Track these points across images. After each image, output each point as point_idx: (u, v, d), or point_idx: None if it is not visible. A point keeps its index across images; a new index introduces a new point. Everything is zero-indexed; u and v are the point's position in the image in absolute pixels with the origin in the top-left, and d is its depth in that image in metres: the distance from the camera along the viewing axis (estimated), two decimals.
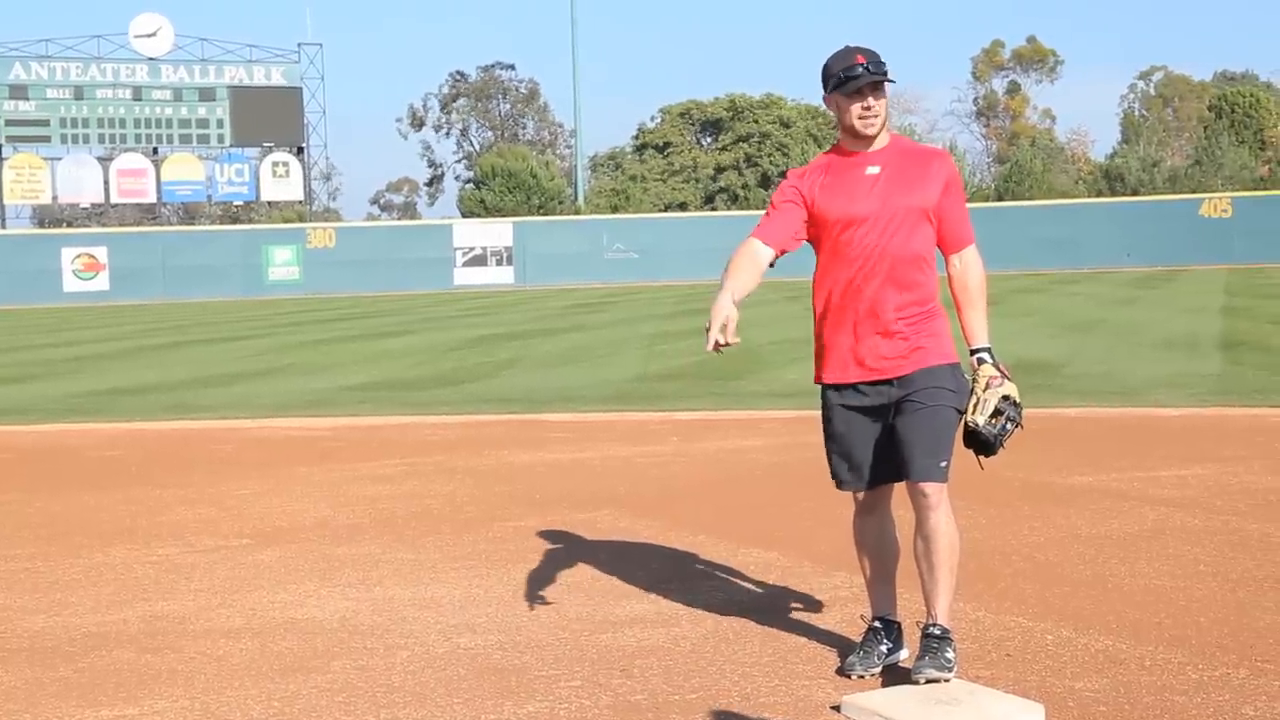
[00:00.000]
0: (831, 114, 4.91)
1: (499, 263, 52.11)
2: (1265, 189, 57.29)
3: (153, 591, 6.46)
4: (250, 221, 65.82)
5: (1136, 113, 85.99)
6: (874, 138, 4.81)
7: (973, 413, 4.73)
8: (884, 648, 4.96)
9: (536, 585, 6.33)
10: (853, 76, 4.72)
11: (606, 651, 5.29)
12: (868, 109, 4.75)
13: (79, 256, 49.76)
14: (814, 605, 5.84)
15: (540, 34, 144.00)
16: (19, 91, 55.80)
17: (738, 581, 6.33)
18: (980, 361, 4.83)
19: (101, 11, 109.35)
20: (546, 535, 7.43)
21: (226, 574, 6.78)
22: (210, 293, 48.58)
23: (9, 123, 55.85)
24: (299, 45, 60.13)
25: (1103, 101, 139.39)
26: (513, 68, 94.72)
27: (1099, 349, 17.59)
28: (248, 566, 6.92)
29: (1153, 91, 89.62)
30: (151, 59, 56.95)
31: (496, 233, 52.92)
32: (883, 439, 4.84)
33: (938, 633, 4.73)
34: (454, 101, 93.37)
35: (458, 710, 4.67)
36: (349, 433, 12.21)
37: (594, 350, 20.31)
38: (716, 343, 4.52)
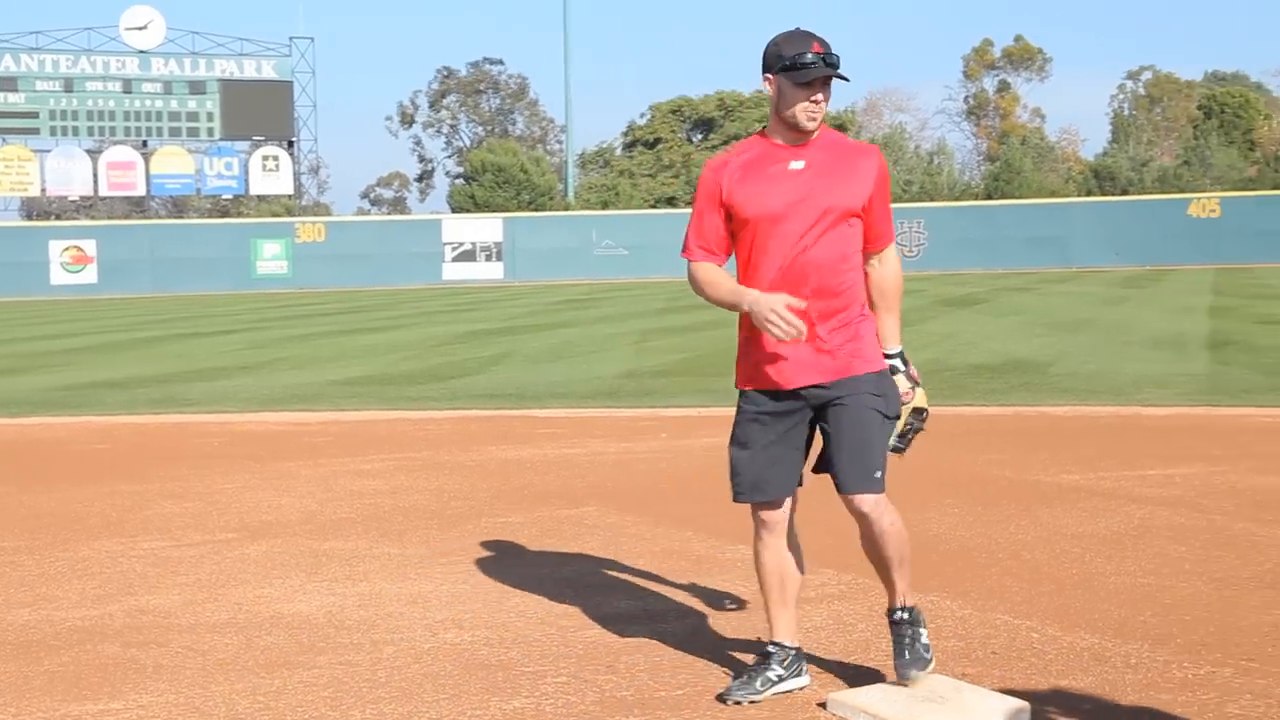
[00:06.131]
0: (770, 95, 4.52)
1: (488, 258, 52.08)
2: (1254, 189, 57.41)
3: (139, 585, 6.45)
4: (239, 215, 65.69)
5: (1126, 112, 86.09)
6: (811, 132, 4.50)
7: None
8: (773, 674, 4.71)
9: (523, 581, 6.33)
10: (805, 65, 4.39)
11: (593, 647, 5.29)
12: (815, 102, 4.43)
13: (67, 249, 49.63)
14: (799, 602, 5.83)
15: (531, 29, 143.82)
16: (8, 83, 55.52)
17: (724, 578, 6.33)
18: (893, 371, 4.61)
19: (92, 4, 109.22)
20: (534, 531, 7.43)
21: (213, 568, 6.76)
22: (199, 286, 48.50)
23: None
24: (290, 39, 59.93)
25: (1093, 101, 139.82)
26: (502, 63, 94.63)
27: (1087, 348, 17.62)
28: (234, 561, 6.91)
29: (1142, 91, 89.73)
30: (142, 52, 56.74)
31: (486, 228, 52.88)
32: (793, 452, 4.63)
33: (907, 617, 4.67)
34: (443, 98, 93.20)
35: (443, 706, 4.67)
36: (337, 427, 12.20)
37: (583, 346, 20.31)
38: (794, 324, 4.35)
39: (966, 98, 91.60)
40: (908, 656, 4.64)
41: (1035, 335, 19.67)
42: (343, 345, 21.64)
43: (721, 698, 4.66)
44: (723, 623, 5.59)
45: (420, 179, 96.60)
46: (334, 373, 16.93)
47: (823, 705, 4.58)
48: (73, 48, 56.37)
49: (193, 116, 57.51)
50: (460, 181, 68.42)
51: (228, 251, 50.69)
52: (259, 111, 58.19)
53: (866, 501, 4.53)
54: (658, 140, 76.52)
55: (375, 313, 31.87)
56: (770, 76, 4.50)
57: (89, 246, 49.89)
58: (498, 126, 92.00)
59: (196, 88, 57.40)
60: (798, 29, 4.51)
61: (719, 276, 4.60)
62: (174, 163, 57.77)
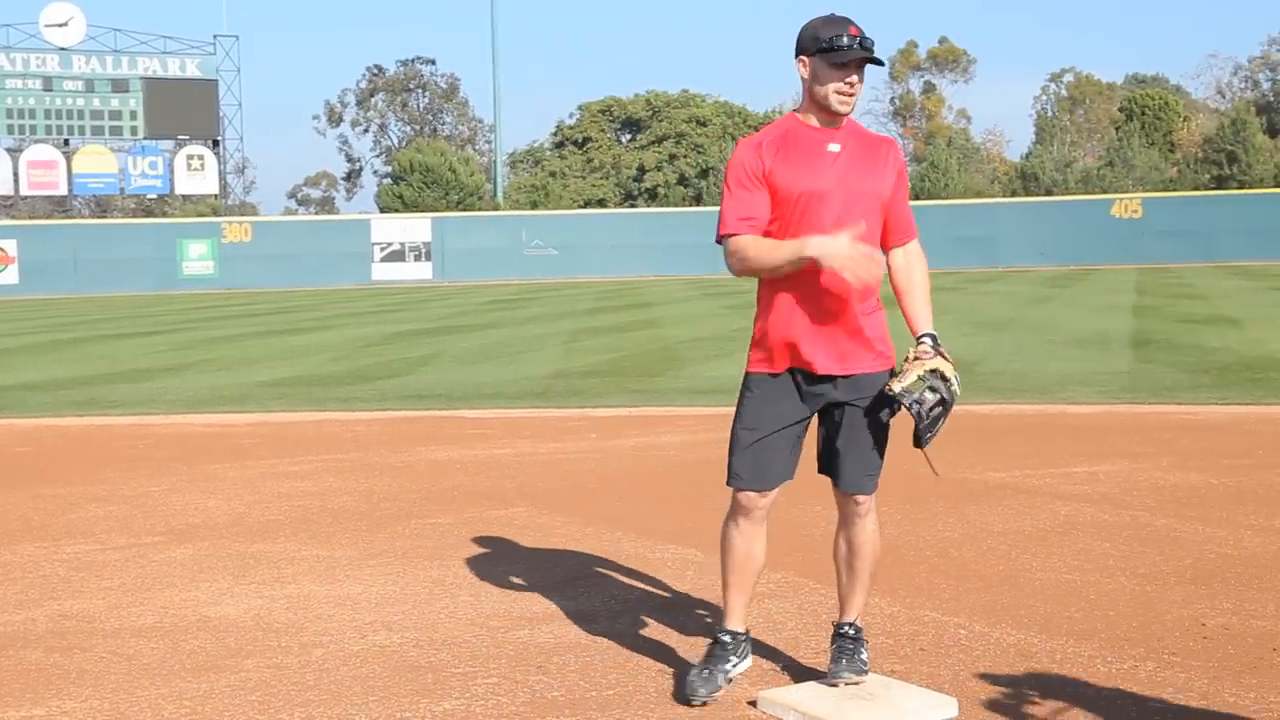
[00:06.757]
0: (803, 77, 4.50)
1: (417, 258, 51.83)
2: (1174, 190, 58.29)
3: (62, 590, 6.36)
4: (164, 215, 64.95)
5: (1049, 114, 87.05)
6: (843, 116, 4.50)
7: (891, 380, 4.49)
8: (730, 665, 4.71)
9: (453, 582, 6.31)
10: (842, 47, 4.39)
11: (523, 648, 5.28)
12: (850, 85, 4.43)
13: None
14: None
15: (461, 29, 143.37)
16: None
17: (654, 578, 6.34)
18: (919, 342, 4.57)
19: (11, 0, 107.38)
20: (463, 532, 7.41)
21: (138, 572, 6.68)
22: (123, 287, 47.92)
23: None
24: (215, 37, 59.41)
25: (1017, 102, 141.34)
26: (433, 62, 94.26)
27: (1013, 347, 17.81)
28: (160, 564, 6.84)
29: (1064, 93, 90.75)
30: (63, 49, 55.99)
31: (415, 228, 52.62)
32: (797, 440, 4.62)
33: (853, 633, 4.72)
34: (372, 96, 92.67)
35: (373, 708, 4.64)
36: (264, 429, 12.09)
37: (513, 346, 20.26)
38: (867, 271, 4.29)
39: (892, 99, 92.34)
40: (844, 663, 4.66)
41: (962, 334, 19.84)
42: (270, 346, 21.46)
43: (685, 699, 4.59)
44: (654, 622, 5.60)
45: (348, 178, 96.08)
46: (261, 374, 16.78)
47: (753, 703, 4.60)
48: None
49: (116, 115, 56.82)
50: (388, 181, 68.08)
51: (153, 252, 50.11)
52: (183, 110, 57.59)
53: (864, 500, 4.61)
54: (587, 140, 76.54)
55: (303, 313, 31.63)
56: (805, 58, 4.48)
57: (10, 247, 49.12)
58: (427, 126, 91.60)
59: (119, 86, 56.70)
60: (833, 13, 4.51)
61: (766, 242, 4.47)
62: (97, 162, 57.06)
